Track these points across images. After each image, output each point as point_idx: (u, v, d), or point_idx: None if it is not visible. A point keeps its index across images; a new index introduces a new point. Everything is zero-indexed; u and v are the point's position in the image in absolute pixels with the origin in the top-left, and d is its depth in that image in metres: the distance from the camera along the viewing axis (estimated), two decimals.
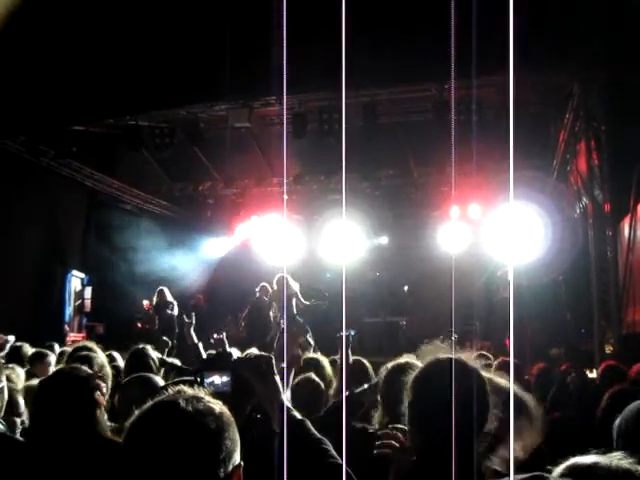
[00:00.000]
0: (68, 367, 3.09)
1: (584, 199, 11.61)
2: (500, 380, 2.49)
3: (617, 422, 2.74)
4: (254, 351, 5.08)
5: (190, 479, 1.52)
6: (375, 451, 2.35)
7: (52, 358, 5.82)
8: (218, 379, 2.31)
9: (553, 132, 12.88)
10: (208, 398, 1.66)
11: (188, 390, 1.67)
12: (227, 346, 6.79)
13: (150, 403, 1.63)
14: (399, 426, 2.39)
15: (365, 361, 5.12)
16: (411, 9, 8.47)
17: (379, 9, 8.29)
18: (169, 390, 1.68)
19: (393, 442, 2.35)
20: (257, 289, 13.57)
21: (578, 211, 12.38)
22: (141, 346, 4.91)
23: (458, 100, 10.26)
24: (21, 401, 3.80)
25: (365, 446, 2.52)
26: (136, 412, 1.62)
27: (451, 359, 2.28)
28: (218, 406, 1.64)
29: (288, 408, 2.19)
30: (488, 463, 2.24)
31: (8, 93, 9.76)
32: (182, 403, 1.59)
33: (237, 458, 1.62)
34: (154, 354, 4.97)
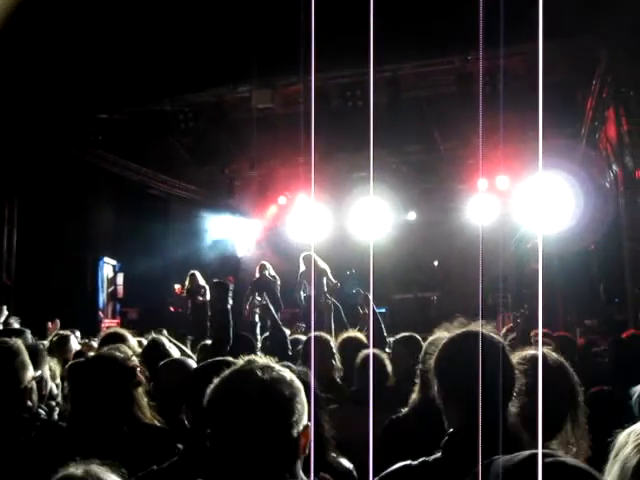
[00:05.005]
0: (106, 350, 3.13)
1: (614, 166, 11.43)
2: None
3: None
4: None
5: (268, 440, 1.70)
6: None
7: (74, 341, 5.87)
8: None
9: (580, 99, 12.66)
10: (278, 367, 1.83)
11: (258, 360, 1.84)
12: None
13: (228, 371, 1.81)
14: None
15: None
16: None
17: None
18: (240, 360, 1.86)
19: None
20: (257, 268, 13.33)
21: (609, 179, 12.19)
22: (156, 336, 4.85)
23: (482, 71, 10.13)
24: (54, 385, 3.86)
25: None
26: (215, 380, 1.80)
27: (472, 333, 2.29)
28: (288, 373, 1.81)
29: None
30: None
31: (34, 85, 9.85)
32: (258, 372, 1.76)
33: (305, 419, 1.77)
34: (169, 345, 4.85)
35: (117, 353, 3.05)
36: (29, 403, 2.94)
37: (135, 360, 3.11)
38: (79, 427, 2.84)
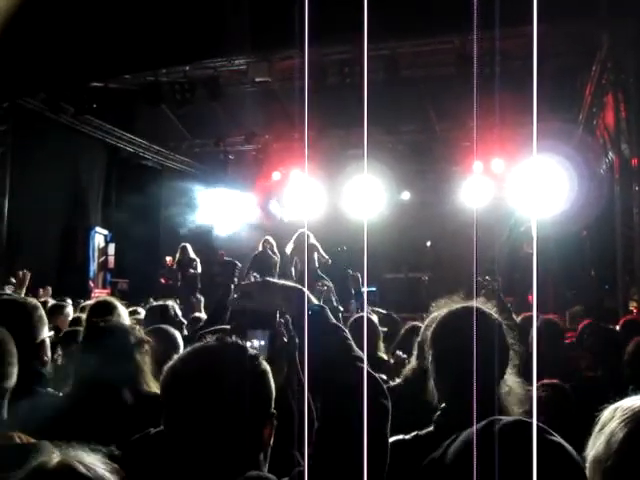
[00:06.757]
0: (113, 321, 3.10)
1: (610, 153, 11.40)
2: None
3: None
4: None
5: (219, 427, 1.55)
6: None
7: (70, 309, 5.87)
8: (256, 342, 2.23)
9: (579, 84, 12.60)
10: (249, 349, 1.70)
11: (227, 340, 1.69)
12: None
13: (186, 350, 1.68)
14: None
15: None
16: None
17: None
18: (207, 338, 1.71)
19: None
20: (261, 242, 13.73)
21: (604, 166, 12.17)
22: (161, 303, 4.90)
23: (481, 52, 10.05)
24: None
25: None
26: (175, 357, 1.67)
27: (471, 308, 2.29)
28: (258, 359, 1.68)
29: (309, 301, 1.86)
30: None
31: (27, 50, 9.72)
32: (218, 353, 1.63)
33: (270, 406, 1.65)
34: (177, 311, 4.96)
35: (125, 322, 3.04)
36: (45, 358, 2.96)
37: (141, 330, 3.12)
38: (80, 397, 2.80)
